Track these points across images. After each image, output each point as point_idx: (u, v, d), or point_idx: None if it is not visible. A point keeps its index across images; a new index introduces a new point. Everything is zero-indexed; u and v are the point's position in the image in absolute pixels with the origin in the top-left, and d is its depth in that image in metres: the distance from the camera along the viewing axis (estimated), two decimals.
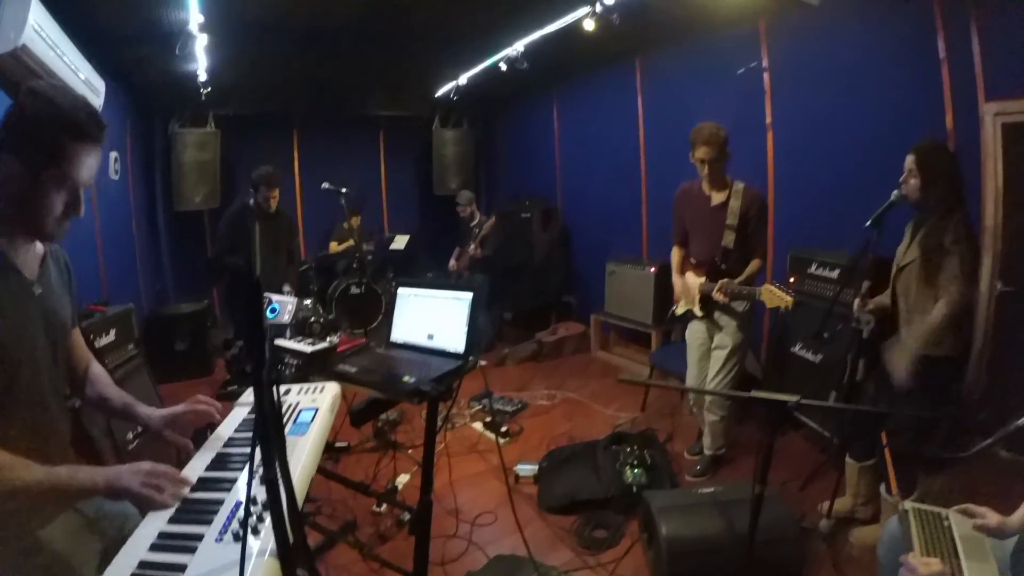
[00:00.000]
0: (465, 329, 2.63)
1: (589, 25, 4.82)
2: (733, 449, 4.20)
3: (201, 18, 4.41)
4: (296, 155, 9.18)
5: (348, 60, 6.50)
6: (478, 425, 4.85)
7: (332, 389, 2.14)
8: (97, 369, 1.88)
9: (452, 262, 7.07)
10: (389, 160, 10.08)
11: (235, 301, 5.21)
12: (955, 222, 2.76)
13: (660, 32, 5.69)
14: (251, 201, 5.24)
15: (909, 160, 2.93)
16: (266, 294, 3.12)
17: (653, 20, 5.11)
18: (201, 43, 4.89)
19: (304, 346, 2.80)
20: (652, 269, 6.11)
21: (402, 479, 3.87)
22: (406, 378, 2.34)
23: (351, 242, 7.92)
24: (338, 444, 4.08)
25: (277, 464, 1.04)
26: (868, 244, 3.09)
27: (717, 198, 3.77)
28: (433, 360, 2.59)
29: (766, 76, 5.26)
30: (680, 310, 4.04)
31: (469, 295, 2.68)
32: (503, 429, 4.65)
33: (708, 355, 3.92)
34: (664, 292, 5.88)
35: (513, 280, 7.89)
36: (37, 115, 1.39)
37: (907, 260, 2.95)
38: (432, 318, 2.79)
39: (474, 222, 6.89)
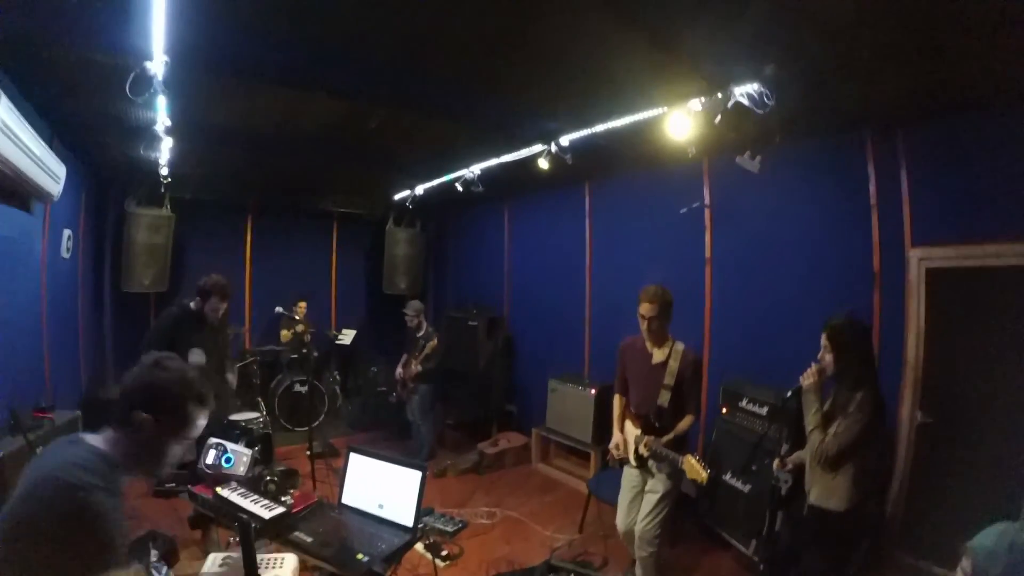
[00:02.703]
0: (415, 504, 2.87)
1: (544, 164, 5.15)
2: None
3: (168, 122, 4.51)
4: (248, 240, 9.24)
5: (309, 163, 6.69)
6: (419, 546, 4.84)
7: (291, 562, 2.24)
8: None
9: (399, 370, 7.12)
10: (340, 253, 10.22)
11: None
12: (861, 396, 3.02)
13: (610, 164, 6.07)
14: (192, 305, 4.95)
15: (823, 336, 3.19)
16: (220, 442, 3.17)
17: (604, 156, 5.47)
18: (166, 144, 5.05)
19: (261, 510, 2.84)
20: (592, 390, 6.28)
21: None
22: (360, 556, 2.52)
23: (301, 327, 7.91)
24: None
25: None
26: (787, 410, 3.40)
27: (657, 356, 3.99)
28: (384, 532, 2.82)
29: (707, 212, 5.65)
30: (616, 456, 4.21)
31: (419, 473, 2.93)
32: (443, 553, 4.67)
33: (639, 498, 4.07)
34: (604, 412, 6.06)
35: (456, 386, 7.98)
36: (173, 387, 1.69)
37: (811, 425, 3.20)
38: (383, 487, 3.02)
39: (420, 332, 6.98)
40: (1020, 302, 3.78)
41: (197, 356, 4.77)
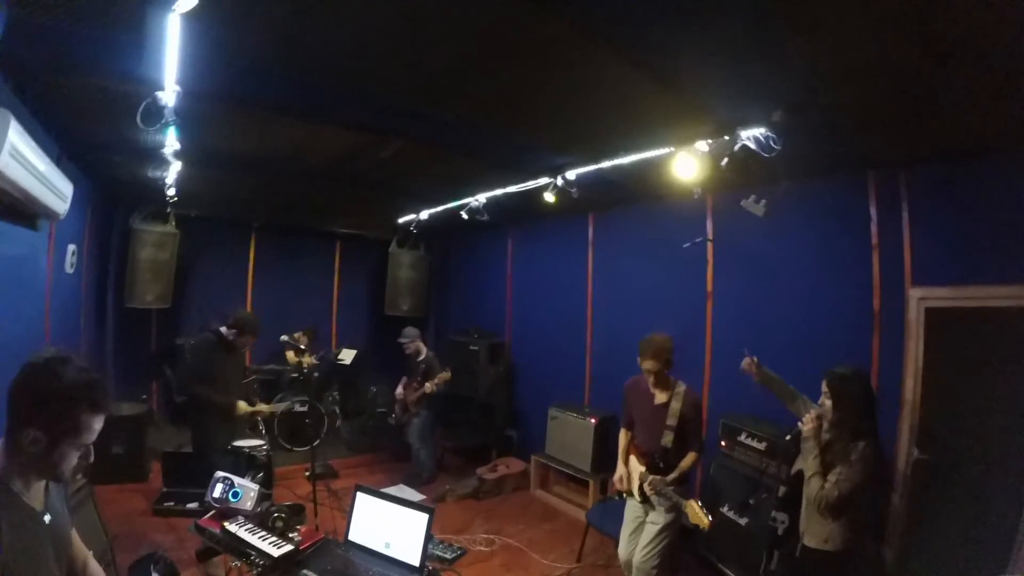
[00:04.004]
0: (421, 544, 2.96)
1: (550, 197, 5.23)
2: None
3: (177, 146, 4.55)
4: (252, 258, 9.32)
5: (316, 188, 6.77)
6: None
7: None
8: (94, 566, 2.05)
9: (400, 390, 7.16)
10: (343, 274, 10.29)
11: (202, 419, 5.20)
12: (863, 447, 3.05)
13: (615, 197, 6.14)
14: (225, 331, 5.20)
15: (824, 383, 3.25)
16: (228, 476, 3.22)
17: (609, 190, 5.56)
18: (174, 166, 5.13)
19: (270, 547, 2.88)
20: (593, 420, 6.32)
21: None
22: None
23: (307, 357, 7.95)
24: None
25: None
26: (787, 453, 3.46)
27: (660, 398, 4.11)
28: (390, 571, 2.90)
29: (709, 247, 5.73)
30: (620, 488, 4.30)
31: (427, 516, 3.02)
32: None
33: (640, 529, 4.15)
34: (603, 442, 6.12)
35: (457, 411, 8.00)
36: (55, 392, 1.61)
37: (810, 471, 3.23)
38: (390, 527, 3.08)
39: (420, 357, 7.01)
40: (1016, 343, 3.85)
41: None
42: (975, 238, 4.05)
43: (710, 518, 3.62)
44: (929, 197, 4.32)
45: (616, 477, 4.30)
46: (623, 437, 4.40)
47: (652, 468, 4.03)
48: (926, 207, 4.33)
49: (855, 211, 4.68)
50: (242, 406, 5.07)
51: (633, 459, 4.23)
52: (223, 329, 5.16)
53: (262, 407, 5.49)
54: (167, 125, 3.39)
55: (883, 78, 2.98)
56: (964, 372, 4.15)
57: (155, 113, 3.34)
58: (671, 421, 3.99)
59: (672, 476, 3.93)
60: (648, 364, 4.00)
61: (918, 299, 4.34)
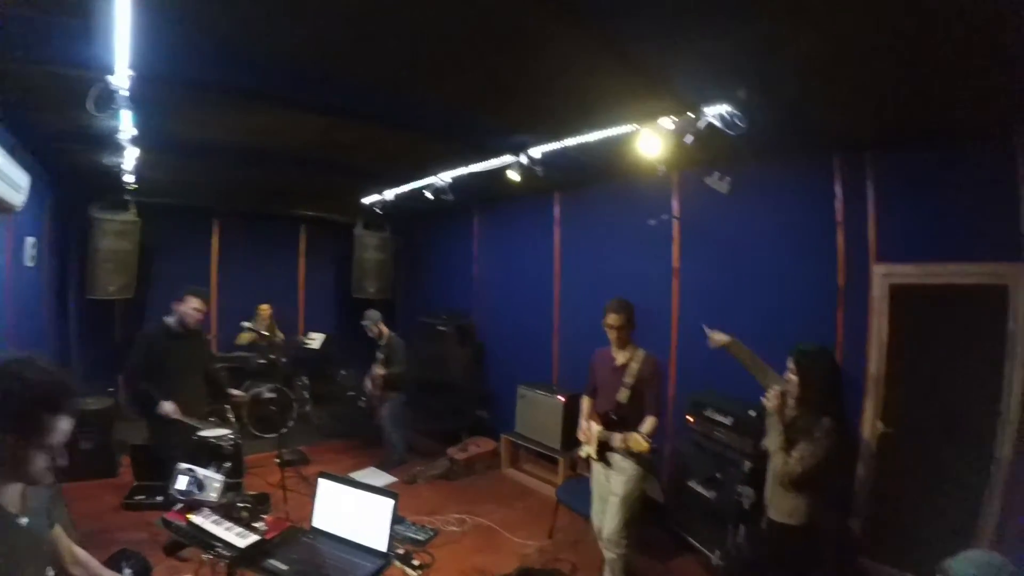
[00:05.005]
0: (387, 529, 2.93)
1: (514, 176, 5.20)
2: None
3: (134, 132, 4.45)
4: (215, 245, 9.19)
5: (279, 173, 6.66)
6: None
7: None
8: (81, 552, 2.06)
9: (368, 383, 7.13)
10: (309, 257, 10.19)
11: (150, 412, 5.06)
12: (827, 422, 3.09)
13: (581, 175, 6.11)
14: (170, 320, 4.98)
15: (790, 359, 3.29)
16: (190, 467, 3.16)
17: (574, 168, 5.53)
18: (132, 152, 4.99)
19: (235, 538, 2.84)
20: (561, 398, 6.36)
21: None
22: None
23: (264, 333, 7.82)
24: None
25: None
26: (753, 429, 3.53)
27: (620, 359, 4.23)
28: (357, 557, 2.87)
29: (676, 224, 5.76)
30: (583, 454, 4.40)
31: (391, 501, 2.98)
32: (414, 562, 4.69)
33: (607, 500, 4.23)
34: (572, 420, 6.14)
35: (427, 393, 7.97)
36: (17, 395, 1.58)
37: (774, 446, 3.28)
38: (355, 514, 3.05)
39: (382, 340, 6.98)
40: (977, 319, 3.96)
41: (170, 410, 4.79)
42: (940, 215, 4.13)
43: (649, 442, 3.76)
44: (895, 175, 4.38)
45: (580, 431, 4.40)
46: (585, 401, 4.52)
47: (607, 424, 4.14)
48: (891, 184, 4.39)
49: (820, 188, 4.73)
50: (166, 407, 4.76)
51: (592, 422, 4.32)
52: (167, 318, 5.00)
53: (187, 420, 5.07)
54: (119, 109, 3.30)
55: (850, 59, 2.99)
56: (927, 348, 4.25)
57: (107, 98, 3.25)
58: (628, 379, 4.10)
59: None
60: (612, 319, 4.11)
61: (882, 275, 4.42)
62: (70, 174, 6.61)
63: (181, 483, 3.12)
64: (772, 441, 3.26)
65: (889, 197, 4.39)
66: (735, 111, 3.54)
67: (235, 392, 5.43)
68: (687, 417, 5.18)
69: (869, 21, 2.57)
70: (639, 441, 3.79)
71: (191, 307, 4.95)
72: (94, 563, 2.09)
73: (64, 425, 1.65)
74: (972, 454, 3.90)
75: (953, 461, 4.02)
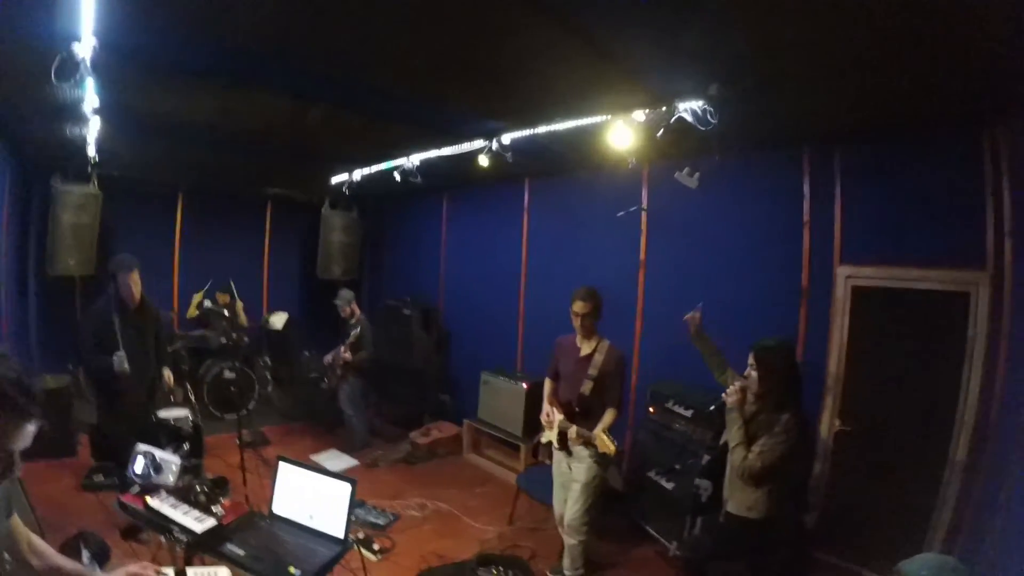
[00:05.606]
0: (345, 516, 2.91)
1: (484, 162, 5.16)
2: (594, 569, 4.50)
3: (97, 103, 4.30)
4: (179, 221, 8.93)
5: (244, 151, 6.51)
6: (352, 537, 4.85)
7: None
8: (38, 541, 2.01)
9: (328, 357, 7.06)
10: (275, 236, 9.99)
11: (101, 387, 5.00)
12: (787, 418, 3.15)
13: (551, 164, 6.09)
14: (112, 294, 4.97)
15: (751, 355, 3.33)
16: (149, 450, 3.11)
17: (545, 156, 5.51)
18: (94, 124, 4.85)
19: (192, 522, 2.80)
20: (524, 385, 6.38)
21: None
22: (292, 569, 2.56)
23: (220, 307, 7.71)
24: None
25: None
26: (712, 423, 3.58)
27: (585, 349, 4.26)
28: (315, 544, 2.86)
29: (644, 216, 5.77)
30: (544, 440, 4.46)
31: (349, 486, 2.95)
32: (375, 547, 4.69)
33: (568, 487, 4.27)
34: (534, 407, 6.16)
35: (391, 377, 7.94)
36: None
37: (735, 441, 3.34)
38: (313, 499, 3.03)
39: (353, 320, 6.92)
40: (938, 323, 4.04)
41: (120, 361, 4.74)
42: (906, 220, 4.20)
43: (616, 443, 3.83)
44: (861, 177, 4.43)
45: (543, 415, 4.42)
46: (548, 384, 4.55)
47: (569, 415, 4.20)
48: (858, 186, 4.44)
49: (789, 187, 4.78)
50: (118, 357, 4.76)
51: (556, 411, 4.34)
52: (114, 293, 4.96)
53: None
54: (83, 78, 3.20)
55: (821, 53, 3.00)
56: (888, 349, 4.32)
57: (70, 67, 3.14)
58: (592, 371, 4.14)
59: (598, 428, 4.03)
60: (579, 306, 4.14)
61: (845, 277, 4.48)
62: (32, 148, 6.40)
63: (138, 465, 3.08)
64: (732, 436, 3.30)
65: (856, 199, 4.44)
66: (707, 106, 3.55)
67: (166, 372, 5.34)
68: (648, 408, 5.24)
69: (841, 14, 2.57)
70: (605, 443, 3.85)
71: (122, 282, 4.92)
72: (50, 551, 2.04)
73: (26, 431, 1.60)
74: (928, 456, 3.99)
75: (909, 462, 4.10)
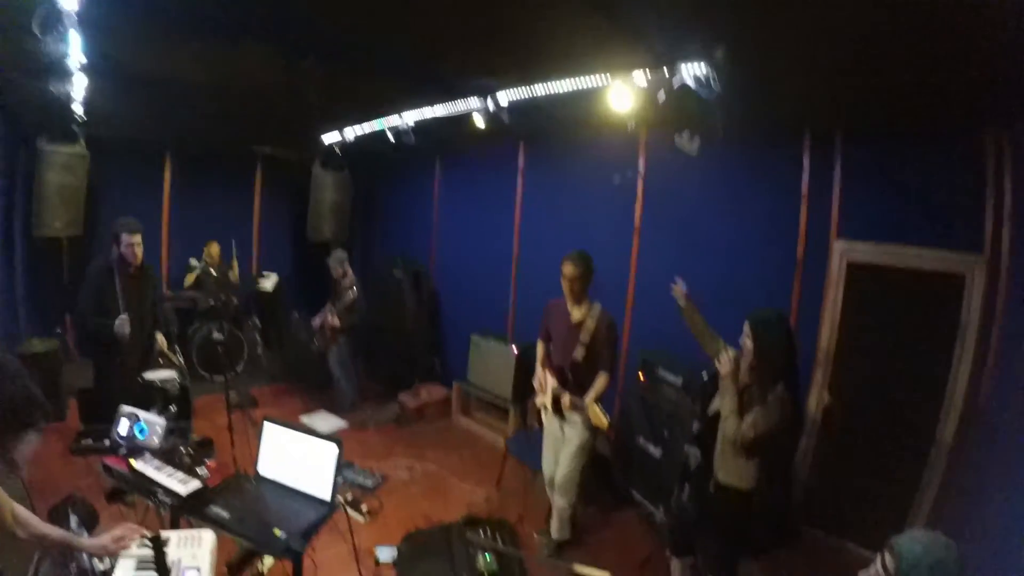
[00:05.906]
0: (332, 477, 2.88)
1: (480, 122, 5.08)
2: (580, 532, 4.57)
3: (83, 59, 4.17)
4: (167, 181, 8.74)
5: (234, 107, 6.39)
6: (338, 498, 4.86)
7: (209, 541, 2.22)
8: (21, 511, 1.99)
9: (316, 320, 7.02)
10: (265, 196, 9.82)
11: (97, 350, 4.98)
12: (781, 389, 3.11)
13: (547, 126, 5.96)
14: (113, 256, 4.93)
15: (746, 325, 3.29)
16: (133, 411, 3.07)
17: (541, 118, 5.38)
18: (81, 80, 4.73)
19: (177, 485, 2.77)
20: (515, 348, 6.37)
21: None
22: (277, 532, 2.53)
23: (213, 272, 7.64)
24: None
25: None
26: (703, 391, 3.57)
27: (576, 315, 4.25)
28: (301, 506, 2.85)
29: (640, 182, 5.71)
30: (539, 403, 4.49)
31: (335, 447, 2.92)
32: (363, 508, 4.70)
33: (559, 447, 4.31)
34: (524, 370, 6.15)
35: (381, 339, 7.91)
36: None
37: (727, 410, 3.30)
38: (299, 460, 3.00)
39: (346, 281, 6.86)
40: (932, 304, 4.04)
41: (122, 324, 4.75)
42: (905, 199, 4.17)
43: (608, 418, 3.87)
44: (863, 154, 4.39)
45: (535, 381, 4.48)
46: (540, 347, 4.57)
47: (562, 382, 4.22)
48: (858, 163, 4.40)
49: (788, 159, 4.73)
50: (120, 320, 4.77)
51: (549, 376, 4.36)
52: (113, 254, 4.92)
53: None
54: (67, 31, 3.09)
55: (827, 35, 2.92)
56: (880, 327, 4.32)
57: (53, 19, 3.04)
58: (584, 337, 4.15)
59: (590, 394, 4.05)
60: (569, 270, 4.14)
61: (841, 252, 4.46)
62: (18, 107, 6.23)
63: (123, 427, 3.04)
64: (725, 405, 3.28)
65: (856, 175, 4.40)
66: (710, 72, 3.46)
67: (159, 337, 5.31)
68: (639, 374, 5.24)
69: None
70: (598, 415, 3.88)
71: (125, 244, 4.89)
72: (35, 520, 2.04)
73: (31, 439, 1.66)
74: (914, 435, 4.03)
75: (896, 440, 4.14)
